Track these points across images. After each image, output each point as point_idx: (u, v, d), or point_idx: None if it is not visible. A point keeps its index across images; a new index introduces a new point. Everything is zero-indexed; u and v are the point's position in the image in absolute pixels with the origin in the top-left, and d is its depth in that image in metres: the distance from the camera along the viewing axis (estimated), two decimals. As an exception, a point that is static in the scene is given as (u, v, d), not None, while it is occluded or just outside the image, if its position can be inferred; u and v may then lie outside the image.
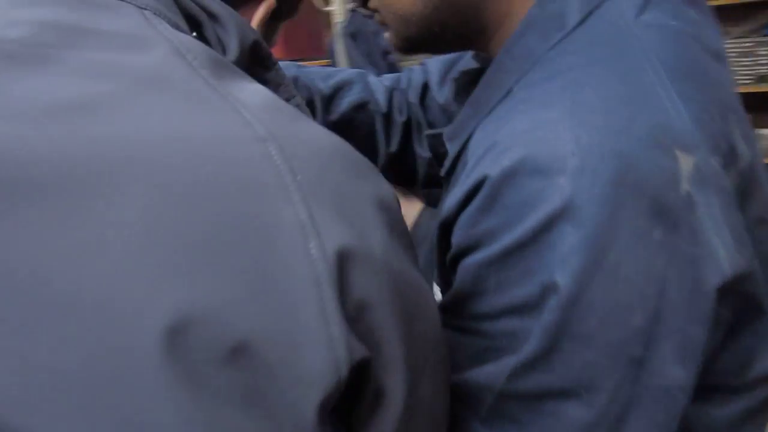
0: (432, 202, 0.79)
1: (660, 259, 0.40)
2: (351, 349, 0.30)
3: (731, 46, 2.48)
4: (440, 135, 0.55)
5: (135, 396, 0.26)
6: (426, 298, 0.37)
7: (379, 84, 0.80)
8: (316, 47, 3.03)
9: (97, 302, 0.27)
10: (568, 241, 0.39)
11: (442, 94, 0.75)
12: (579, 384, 0.40)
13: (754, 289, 0.43)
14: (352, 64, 2.40)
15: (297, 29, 2.90)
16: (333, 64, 2.48)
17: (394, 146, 0.78)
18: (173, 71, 0.34)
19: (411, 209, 0.78)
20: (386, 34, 0.56)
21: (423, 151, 0.77)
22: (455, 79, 0.69)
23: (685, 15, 0.48)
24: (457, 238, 0.45)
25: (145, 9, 0.38)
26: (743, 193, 0.44)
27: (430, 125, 0.76)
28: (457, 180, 0.49)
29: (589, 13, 0.46)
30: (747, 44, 2.51)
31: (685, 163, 0.41)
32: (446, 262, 0.47)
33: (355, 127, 0.79)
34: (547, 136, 0.41)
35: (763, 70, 2.50)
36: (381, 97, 0.78)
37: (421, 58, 0.79)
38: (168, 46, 0.35)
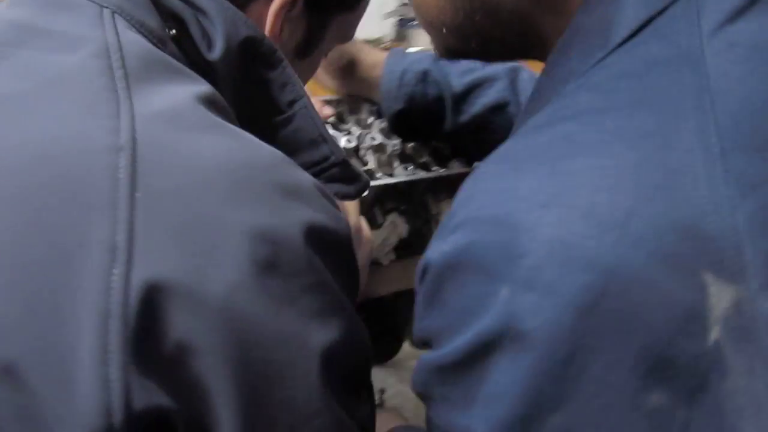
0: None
1: None
2: (134, 394, 0.27)
3: None
4: None
5: None
6: (301, 360, 0.33)
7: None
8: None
9: None
10: (503, 380, 0.29)
11: None
12: None
13: None
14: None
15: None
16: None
17: None
18: (83, 72, 0.34)
19: None
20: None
21: None
22: None
23: None
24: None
25: (106, 8, 0.38)
26: None
27: None
28: None
29: (647, 22, 0.33)
30: None
31: (720, 295, 0.26)
32: None
33: (491, 130, 0.72)
34: (504, 220, 0.30)
35: None
36: None
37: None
38: (97, 46, 0.36)
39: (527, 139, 0.34)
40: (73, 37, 0.36)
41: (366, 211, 0.78)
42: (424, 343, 0.36)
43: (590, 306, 0.27)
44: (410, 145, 0.81)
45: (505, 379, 0.29)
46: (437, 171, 0.80)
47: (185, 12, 0.41)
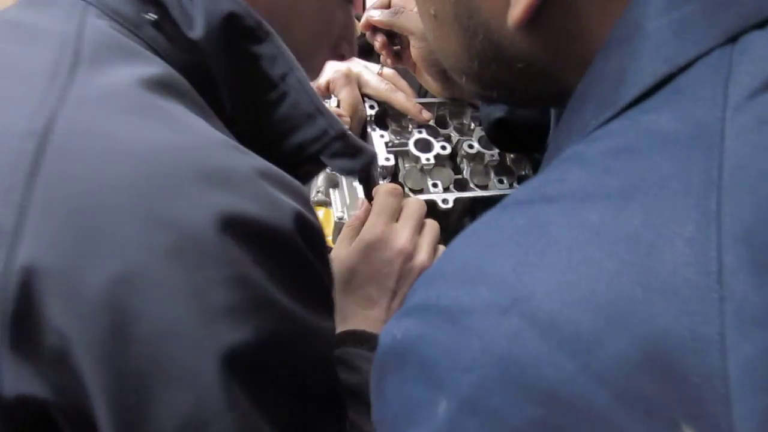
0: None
1: None
2: (5, 380, 0.26)
3: None
4: None
5: None
6: (193, 359, 0.30)
7: None
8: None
9: None
10: None
11: None
12: None
13: None
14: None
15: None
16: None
17: None
18: (31, 63, 0.36)
19: None
20: None
21: None
22: None
23: None
24: None
25: (84, 0, 0.40)
26: None
27: None
28: None
29: (666, 80, 0.28)
30: None
31: None
32: None
33: None
34: (458, 319, 0.26)
35: None
36: None
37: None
38: (57, 37, 0.37)
39: (507, 215, 0.29)
40: (39, 30, 0.38)
41: (455, 222, 0.76)
42: None
43: None
44: (511, 156, 0.76)
45: None
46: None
47: None
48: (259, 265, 0.34)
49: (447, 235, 0.76)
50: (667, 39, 0.29)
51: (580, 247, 0.24)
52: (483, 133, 0.76)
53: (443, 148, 0.74)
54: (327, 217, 0.86)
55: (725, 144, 0.24)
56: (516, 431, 0.23)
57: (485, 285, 0.26)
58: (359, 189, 0.70)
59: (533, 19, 0.34)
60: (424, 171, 0.73)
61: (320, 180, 0.93)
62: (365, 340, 0.60)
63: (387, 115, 0.78)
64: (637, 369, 0.21)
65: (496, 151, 0.75)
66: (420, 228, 0.66)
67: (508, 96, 0.43)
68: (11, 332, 0.27)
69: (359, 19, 0.75)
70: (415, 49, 0.73)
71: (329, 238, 0.85)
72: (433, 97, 0.81)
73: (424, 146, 0.74)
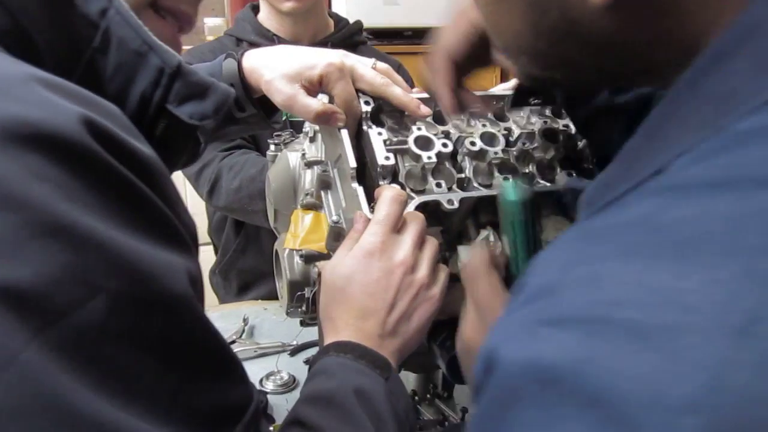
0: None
1: None
2: None
3: None
4: (579, 191, 0.41)
5: None
6: None
7: None
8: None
9: None
10: None
11: None
12: None
13: None
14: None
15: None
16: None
17: None
18: None
19: None
20: None
21: None
22: None
23: None
24: None
25: None
26: None
27: None
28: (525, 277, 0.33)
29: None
30: None
31: None
32: None
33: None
34: (658, 338, 0.22)
35: None
36: None
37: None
38: None
39: (674, 207, 0.26)
40: None
41: (459, 223, 0.71)
42: None
43: None
44: (514, 153, 0.72)
45: None
46: (543, 185, 0.71)
47: None
48: (39, 178, 0.28)
49: (449, 237, 0.72)
50: None
51: None
52: (484, 130, 0.72)
53: (444, 145, 0.69)
54: (317, 222, 0.81)
55: None
56: None
57: (690, 293, 0.21)
58: (359, 191, 0.65)
59: None
60: (425, 170, 0.68)
61: (308, 182, 0.87)
62: (350, 350, 0.56)
63: (382, 111, 0.73)
64: None
65: (499, 148, 0.71)
66: (421, 243, 0.63)
67: (574, 76, 0.40)
68: None
69: None
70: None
71: (321, 244, 0.80)
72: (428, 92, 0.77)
73: (424, 144, 0.70)
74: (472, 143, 0.70)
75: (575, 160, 0.74)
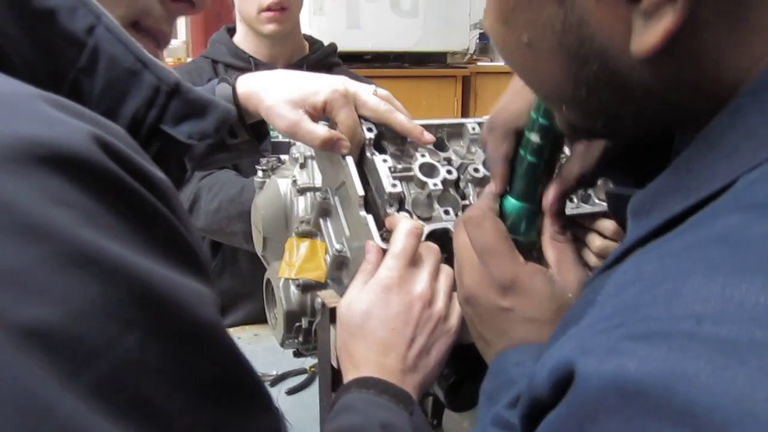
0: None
1: None
2: None
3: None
4: (624, 198, 0.41)
5: None
6: None
7: None
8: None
9: None
10: None
11: None
12: None
13: None
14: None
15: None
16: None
17: None
18: None
19: None
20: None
21: None
22: None
23: None
24: None
25: None
26: None
27: None
28: (592, 295, 0.33)
29: None
30: None
31: None
32: None
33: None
34: (747, 352, 0.22)
35: None
36: None
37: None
38: None
39: (757, 224, 0.26)
40: None
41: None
42: None
43: None
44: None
45: None
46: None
47: None
48: (60, 203, 0.26)
49: (453, 263, 0.71)
50: None
51: None
52: (485, 157, 0.72)
53: (449, 172, 0.69)
54: (313, 250, 0.79)
55: None
56: None
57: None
58: (369, 219, 0.64)
59: (663, 47, 0.32)
60: (431, 197, 0.68)
61: (301, 209, 0.86)
62: (372, 385, 0.56)
63: (383, 138, 0.72)
64: None
65: (503, 174, 0.71)
66: (437, 273, 0.62)
67: (615, 125, 0.40)
68: None
69: None
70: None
71: (318, 273, 0.78)
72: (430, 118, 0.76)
73: (429, 171, 0.69)
74: (476, 170, 0.70)
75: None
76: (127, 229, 0.29)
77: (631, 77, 0.35)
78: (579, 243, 0.76)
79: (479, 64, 3.22)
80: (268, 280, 0.84)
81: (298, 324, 0.77)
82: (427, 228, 0.64)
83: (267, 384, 1.10)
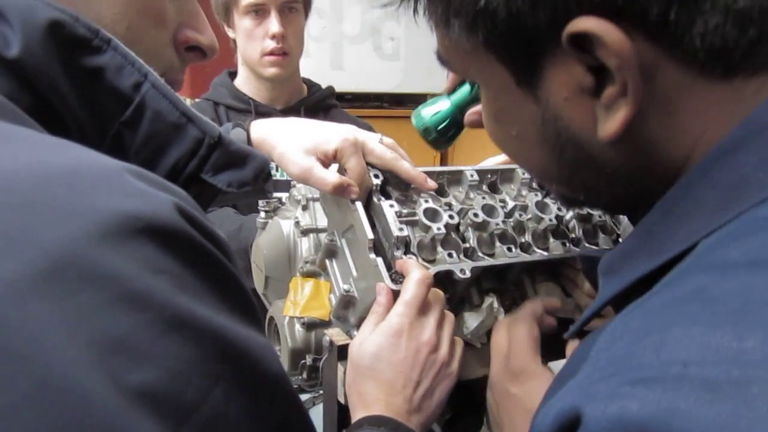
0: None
1: None
2: None
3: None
4: (595, 259, 0.46)
5: None
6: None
7: None
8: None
9: None
10: None
11: None
12: None
13: None
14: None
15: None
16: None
17: None
18: None
19: None
20: None
21: None
22: None
23: None
24: None
25: None
26: None
27: None
28: (584, 352, 0.35)
29: None
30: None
31: None
32: None
33: None
34: (728, 388, 0.26)
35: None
36: None
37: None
38: None
39: (722, 282, 0.31)
40: None
41: (463, 290, 0.75)
42: None
43: None
44: (511, 224, 0.77)
45: None
46: (539, 254, 0.76)
47: None
48: (156, 271, 0.28)
49: (453, 303, 0.75)
50: None
51: None
52: (484, 202, 0.77)
53: (451, 217, 0.73)
54: (317, 289, 0.83)
55: None
56: None
57: (759, 356, 0.25)
58: (380, 262, 0.67)
59: (623, 132, 0.39)
60: (435, 240, 0.72)
61: (304, 249, 0.89)
62: (383, 423, 0.59)
63: (388, 184, 0.77)
64: None
65: (500, 219, 0.75)
66: (442, 321, 0.67)
67: (595, 197, 0.47)
68: None
69: None
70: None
71: (322, 311, 0.81)
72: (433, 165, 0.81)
73: (432, 215, 0.73)
74: (475, 215, 0.74)
75: (564, 231, 0.80)
76: (207, 289, 0.31)
77: (601, 158, 0.42)
78: (571, 284, 0.81)
79: (457, 106, 3.31)
80: (271, 318, 0.87)
81: (303, 361, 0.79)
82: (432, 270, 0.68)
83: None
